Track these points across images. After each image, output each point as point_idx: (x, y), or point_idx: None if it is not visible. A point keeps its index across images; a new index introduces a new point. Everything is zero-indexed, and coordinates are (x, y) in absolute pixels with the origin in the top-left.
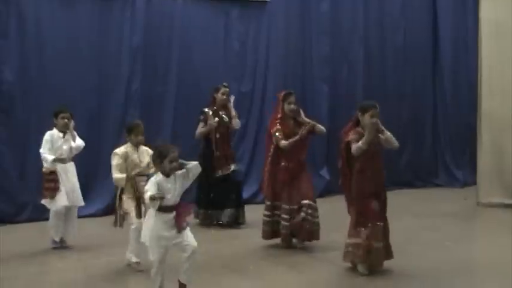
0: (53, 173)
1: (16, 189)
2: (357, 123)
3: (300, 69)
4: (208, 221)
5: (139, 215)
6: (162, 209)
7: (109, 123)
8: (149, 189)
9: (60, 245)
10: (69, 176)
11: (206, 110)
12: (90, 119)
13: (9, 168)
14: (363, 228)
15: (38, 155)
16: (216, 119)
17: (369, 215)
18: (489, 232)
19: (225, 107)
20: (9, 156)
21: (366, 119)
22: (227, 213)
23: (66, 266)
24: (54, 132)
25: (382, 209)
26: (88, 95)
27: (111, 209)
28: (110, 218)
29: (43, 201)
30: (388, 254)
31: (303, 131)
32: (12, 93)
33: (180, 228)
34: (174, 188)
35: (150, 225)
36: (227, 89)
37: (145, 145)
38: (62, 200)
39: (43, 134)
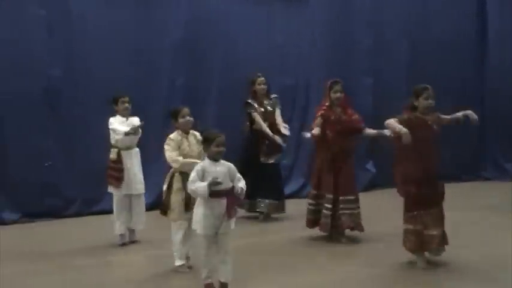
0: (119, 161)
1: (64, 183)
2: (412, 109)
3: (343, 62)
4: (251, 210)
5: (187, 208)
6: (213, 194)
7: (153, 118)
8: (192, 179)
9: (128, 240)
10: (133, 163)
11: (250, 101)
12: (134, 113)
13: (57, 162)
14: (415, 213)
15: (85, 148)
16: (262, 109)
17: (419, 202)
18: None
19: (266, 96)
20: (57, 150)
21: (421, 101)
22: (267, 204)
23: (125, 259)
24: (117, 117)
25: (434, 195)
26: (132, 90)
27: (157, 202)
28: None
29: (109, 189)
30: (444, 240)
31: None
32: (59, 88)
33: (229, 216)
34: (223, 173)
35: (200, 213)
36: (263, 79)
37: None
38: (122, 189)
39: (90, 128)
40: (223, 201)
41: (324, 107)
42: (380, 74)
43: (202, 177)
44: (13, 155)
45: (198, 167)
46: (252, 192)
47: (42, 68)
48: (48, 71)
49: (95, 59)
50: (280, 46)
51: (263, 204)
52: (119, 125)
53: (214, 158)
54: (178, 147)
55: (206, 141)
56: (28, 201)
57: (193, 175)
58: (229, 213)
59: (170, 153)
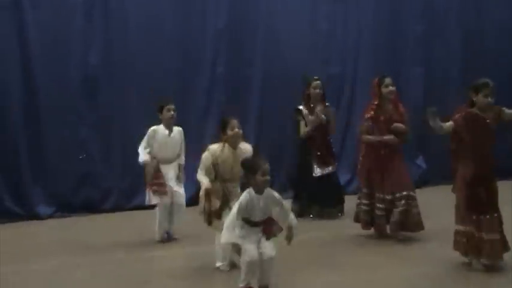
0: (158, 173)
1: (100, 174)
2: (471, 104)
3: (392, 50)
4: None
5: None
6: (249, 223)
7: (193, 109)
8: (234, 219)
9: (166, 237)
10: (172, 174)
11: (301, 107)
12: (174, 103)
13: (94, 152)
14: (472, 217)
15: (123, 139)
16: (312, 116)
17: (476, 204)
18: None
19: (321, 102)
20: (95, 140)
21: (480, 99)
22: (326, 212)
23: (164, 255)
24: (160, 127)
25: (491, 198)
26: (172, 79)
27: (195, 198)
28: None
29: (149, 197)
30: (504, 246)
31: None
32: (97, 77)
33: (268, 237)
34: (264, 205)
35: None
36: (319, 82)
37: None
38: (165, 198)
39: (127, 118)
40: (259, 229)
41: (373, 107)
42: (432, 64)
43: (245, 211)
44: (49, 146)
45: (243, 202)
46: (309, 204)
47: (80, 57)
48: (86, 60)
49: (133, 47)
50: (326, 34)
51: (321, 212)
52: (150, 143)
53: (260, 190)
54: (215, 160)
55: (250, 171)
56: (64, 194)
57: (237, 209)
58: (267, 235)
59: (200, 171)
